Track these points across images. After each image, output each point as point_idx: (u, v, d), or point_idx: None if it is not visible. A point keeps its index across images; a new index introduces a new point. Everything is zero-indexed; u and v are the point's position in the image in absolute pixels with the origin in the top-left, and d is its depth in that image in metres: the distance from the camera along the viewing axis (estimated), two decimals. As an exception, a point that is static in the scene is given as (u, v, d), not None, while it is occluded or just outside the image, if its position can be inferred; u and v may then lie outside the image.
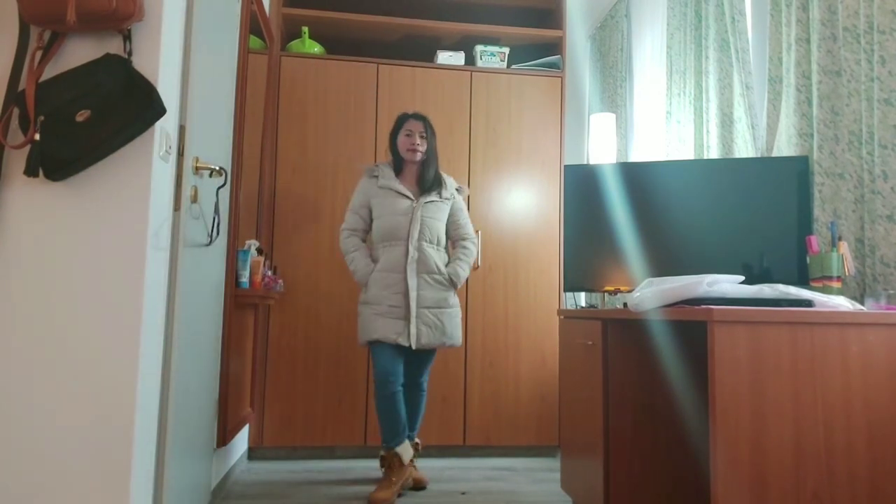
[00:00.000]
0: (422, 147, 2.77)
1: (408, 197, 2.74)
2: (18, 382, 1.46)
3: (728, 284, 1.54)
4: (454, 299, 2.79)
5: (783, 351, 1.39)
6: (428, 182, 2.77)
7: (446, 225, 2.84)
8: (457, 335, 2.77)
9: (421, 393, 2.89)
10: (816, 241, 1.91)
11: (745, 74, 2.35)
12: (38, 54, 1.50)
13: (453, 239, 2.86)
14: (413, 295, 2.65)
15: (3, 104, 1.49)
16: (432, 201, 2.77)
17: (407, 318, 2.65)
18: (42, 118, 1.43)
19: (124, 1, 1.46)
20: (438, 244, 2.78)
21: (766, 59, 2.31)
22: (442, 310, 2.72)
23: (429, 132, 2.79)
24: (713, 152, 2.51)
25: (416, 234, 2.69)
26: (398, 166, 2.82)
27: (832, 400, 1.40)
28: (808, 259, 1.89)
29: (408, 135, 2.77)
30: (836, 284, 1.80)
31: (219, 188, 2.10)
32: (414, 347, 2.65)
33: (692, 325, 2.17)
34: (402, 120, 2.82)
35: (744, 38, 2.38)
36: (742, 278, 1.61)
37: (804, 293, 1.51)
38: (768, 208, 2.15)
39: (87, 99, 1.46)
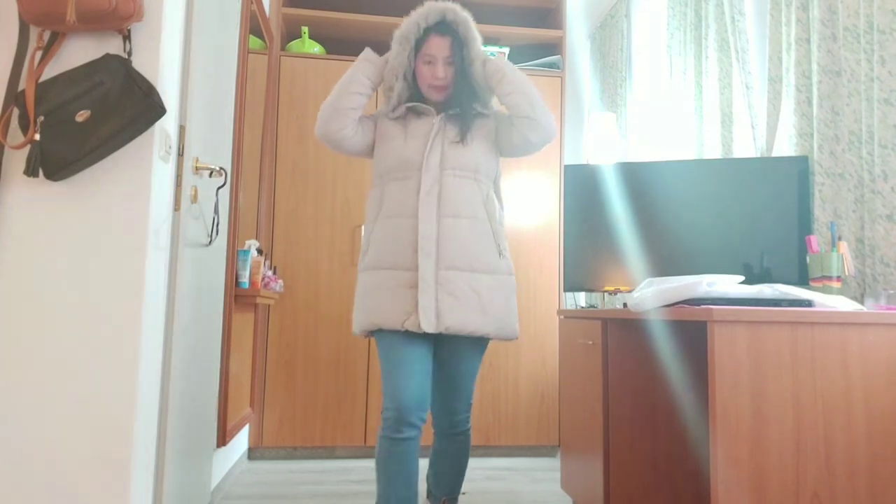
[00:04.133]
0: (444, 79, 1.86)
1: (424, 114, 1.89)
2: (18, 382, 1.46)
3: (728, 284, 1.54)
4: (504, 263, 1.85)
5: (783, 351, 1.39)
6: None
7: (496, 143, 1.91)
8: (510, 319, 1.84)
9: (460, 435, 1.91)
10: (816, 241, 1.90)
11: (745, 74, 2.35)
12: (38, 54, 1.50)
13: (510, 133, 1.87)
14: (429, 247, 1.74)
15: (3, 104, 1.49)
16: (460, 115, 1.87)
17: (419, 287, 1.74)
18: (42, 118, 1.44)
19: (124, 1, 1.46)
20: (476, 175, 1.85)
21: (766, 58, 2.30)
22: (480, 275, 1.79)
23: (457, 50, 1.85)
24: (713, 152, 2.51)
25: (434, 161, 1.81)
26: (417, 96, 1.92)
27: (832, 399, 1.39)
28: (808, 259, 1.89)
29: (428, 62, 1.86)
30: (836, 284, 1.80)
31: (219, 188, 2.10)
32: (433, 330, 1.72)
33: (692, 325, 2.17)
34: (421, 35, 1.85)
35: (744, 38, 2.38)
36: (742, 278, 1.61)
37: (804, 293, 1.51)
38: (768, 208, 2.15)
39: (86, 99, 1.46)
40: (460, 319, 1.74)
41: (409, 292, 1.74)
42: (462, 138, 1.83)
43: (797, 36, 2.07)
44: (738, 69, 2.37)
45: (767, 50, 2.23)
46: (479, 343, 1.87)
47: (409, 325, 1.72)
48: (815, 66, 1.99)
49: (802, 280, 2.06)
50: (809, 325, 1.40)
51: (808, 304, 1.49)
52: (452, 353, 1.86)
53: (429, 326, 1.71)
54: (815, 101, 1.99)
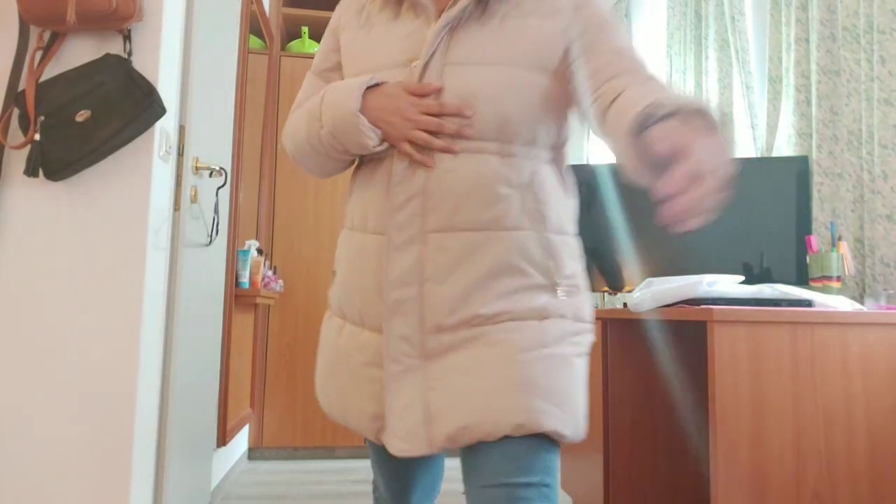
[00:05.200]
0: None
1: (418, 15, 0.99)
2: (18, 382, 1.46)
3: (728, 284, 1.55)
4: (565, 302, 0.97)
5: (783, 351, 1.39)
6: None
7: (562, 85, 0.98)
8: (572, 404, 0.92)
9: None
10: (816, 241, 1.91)
11: (745, 74, 2.35)
12: (38, 54, 1.50)
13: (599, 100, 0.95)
14: (401, 296, 0.93)
15: (3, 104, 1.49)
16: (478, 18, 0.96)
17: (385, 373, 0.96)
18: (42, 118, 1.44)
19: (124, 1, 1.46)
20: (502, 141, 0.95)
21: (765, 58, 2.31)
22: (515, 324, 0.93)
23: None
24: (713, 152, 2.51)
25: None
26: None
27: (832, 400, 1.40)
28: (807, 259, 1.89)
29: None
30: (835, 284, 1.80)
31: (219, 188, 2.10)
32: (417, 454, 0.91)
33: (692, 325, 2.17)
34: None
35: (744, 38, 2.38)
36: (742, 278, 1.61)
37: (804, 293, 1.51)
38: (768, 208, 2.15)
39: (87, 99, 1.46)
40: (472, 414, 0.88)
41: (376, 382, 0.96)
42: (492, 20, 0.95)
43: (797, 36, 2.07)
44: (738, 69, 2.37)
45: (767, 50, 2.23)
46: (527, 448, 0.88)
47: (386, 443, 0.94)
48: (814, 66, 1.99)
49: (802, 280, 2.06)
50: (809, 325, 1.40)
51: (808, 303, 1.49)
52: (485, 473, 0.89)
53: (406, 449, 0.90)
54: (814, 101, 1.99)
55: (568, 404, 0.91)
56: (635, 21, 3.42)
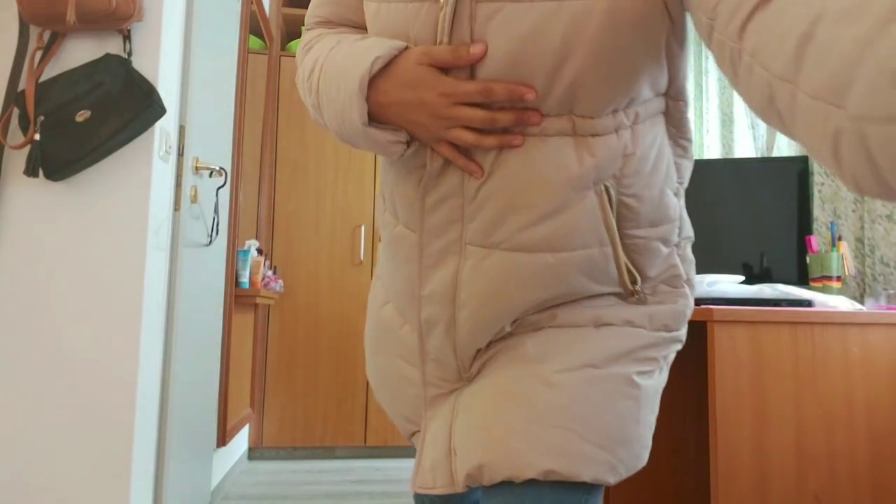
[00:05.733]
0: None
1: None
2: (18, 381, 1.46)
3: (727, 284, 1.54)
4: (641, 309, 0.72)
5: (784, 351, 1.39)
6: None
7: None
8: (627, 446, 0.68)
9: None
10: (816, 241, 1.90)
11: (745, 74, 2.35)
12: (38, 54, 1.50)
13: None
14: (435, 309, 0.73)
15: (3, 104, 1.49)
16: None
17: (423, 376, 0.79)
18: (42, 118, 1.44)
19: (124, 1, 1.46)
20: (578, 114, 0.63)
21: (766, 58, 2.30)
22: (575, 330, 0.71)
23: None
24: (713, 152, 2.51)
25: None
26: None
27: (833, 400, 1.39)
28: (808, 259, 1.89)
29: None
30: (836, 284, 1.80)
31: (219, 188, 2.10)
32: (443, 492, 0.73)
33: (692, 325, 2.17)
34: None
35: (744, 38, 2.38)
36: (742, 278, 1.61)
37: (804, 293, 1.51)
38: (768, 208, 2.15)
39: (87, 99, 1.46)
40: (490, 450, 0.68)
41: (411, 385, 0.81)
42: None
43: (797, 36, 2.07)
44: (738, 69, 2.37)
45: (767, 50, 2.23)
46: (558, 495, 0.68)
47: (415, 473, 0.78)
48: (815, 66, 1.99)
49: (802, 280, 2.06)
50: (810, 325, 1.40)
51: (809, 303, 1.49)
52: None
53: (429, 484, 0.75)
54: (815, 101, 1.99)
55: (620, 446, 0.68)
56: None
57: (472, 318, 0.71)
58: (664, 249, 0.72)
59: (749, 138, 2.33)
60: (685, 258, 0.76)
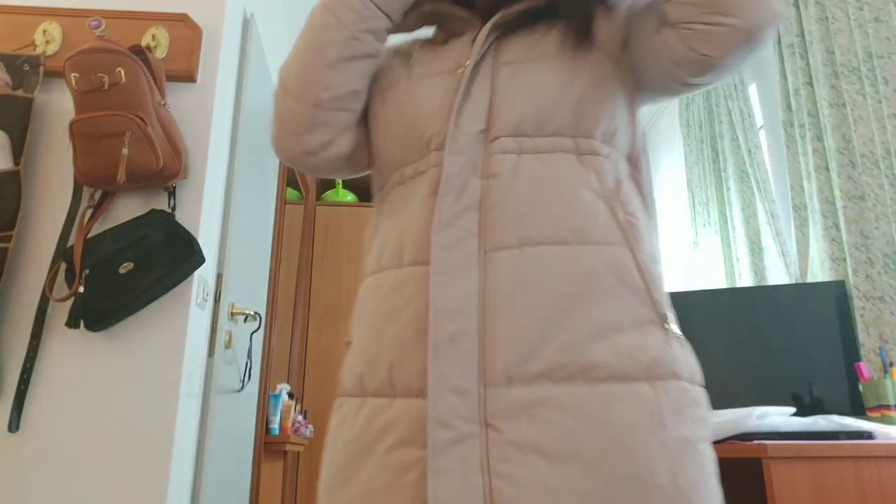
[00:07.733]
0: None
1: (456, 30, 0.85)
2: (41, 542, 1.40)
3: (779, 417, 1.47)
4: (675, 349, 0.70)
5: (848, 488, 1.28)
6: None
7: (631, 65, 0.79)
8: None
9: None
10: (867, 368, 1.82)
11: (769, 203, 2.38)
12: (89, 212, 1.59)
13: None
14: (454, 333, 0.66)
15: (52, 260, 1.56)
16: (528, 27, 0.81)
17: (429, 450, 0.63)
18: (87, 272, 1.49)
19: (171, 161, 1.56)
20: (579, 135, 0.75)
21: (787, 187, 2.34)
22: (609, 386, 0.64)
23: None
24: (745, 280, 2.49)
25: (470, 120, 0.74)
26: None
27: (912, 545, 1.26)
28: (860, 387, 1.80)
29: None
30: (894, 413, 1.70)
31: (253, 332, 2.12)
32: None
33: (745, 462, 2.03)
34: None
35: (762, 169, 2.43)
36: (793, 410, 1.53)
37: (862, 424, 1.42)
38: (809, 335, 2.08)
39: (130, 251, 1.52)
40: None
41: (414, 468, 0.65)
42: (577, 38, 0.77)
43: (816, 164, 2.11)
44: (760, 198, 2.40)
45: (787, 179, 2.27)
46: None
47: None
48: (837, 193, 2.01)
49: (857, 410, 1.95)
50: (874, 458, 1.30)
51: (869, 435, 1.40)
52: None
53: None
54: (842, 226, 1.99)
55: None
56: (653, 157, 3.55)
57: (504, 324, 0.66)
58: (667, 295, 0.74)
59: (781, 265, 2.31)
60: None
